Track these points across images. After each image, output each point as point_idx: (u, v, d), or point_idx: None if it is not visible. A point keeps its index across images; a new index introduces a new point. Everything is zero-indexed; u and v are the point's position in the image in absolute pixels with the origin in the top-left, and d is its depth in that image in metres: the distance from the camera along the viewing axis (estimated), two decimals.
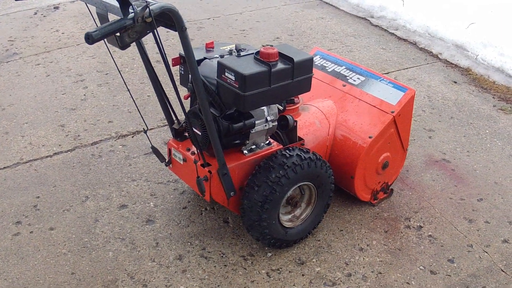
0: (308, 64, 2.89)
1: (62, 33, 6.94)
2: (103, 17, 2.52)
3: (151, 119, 4.83)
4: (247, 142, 3.10)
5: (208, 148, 3.01)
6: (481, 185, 3.93)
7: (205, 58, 3.05)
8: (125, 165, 4.21)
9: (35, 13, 7.78)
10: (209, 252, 3.32)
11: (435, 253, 3.30)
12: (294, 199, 3.20)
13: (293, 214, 3.29)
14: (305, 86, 2.98)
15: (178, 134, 3.29)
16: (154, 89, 3.13)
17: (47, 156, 4.35)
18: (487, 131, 4.64)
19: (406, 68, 5.70)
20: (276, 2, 8.12)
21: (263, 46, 2.91)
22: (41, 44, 6.57)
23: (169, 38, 6.53)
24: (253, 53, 2.87)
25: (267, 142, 3.23)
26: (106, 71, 5.79)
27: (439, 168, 4.09)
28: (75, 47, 6.41)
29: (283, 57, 2.84)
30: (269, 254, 3.29)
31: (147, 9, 2.23)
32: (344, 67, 3.83)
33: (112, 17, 2.36)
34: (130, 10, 2.23)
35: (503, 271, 3.20)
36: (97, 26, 2.28)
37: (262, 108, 3.07)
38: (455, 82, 5.50)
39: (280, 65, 2.78)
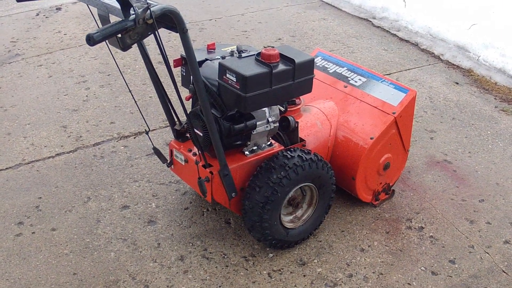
0: (309, 65, 2.90)
1: (64, 34, 6.96)
2: (104, 19, 2.52)
3: (153, 120, 4.84)
4: (249, 143, 3.11)
5: (209, 149, 3.02)
6: (482, 186, 3.93)
7: (206, 59, 3.06)
8: (127, 166, 4.22)
9: (37, 14, 7.80)
10: (210, 252, 3.33)
11: (436, 254, 3.30)
12: (295, 200, 3.20)
13: (294, 215, 3.30)
14: (306, 87, 2.99)
15: (179, 135, 3.30)
16: (155, 90, 3.14)
17: (49, 157, 4.36)
18: (489, 132, 4.65)
19: (408, 69, 5.70)
20: (278, 3, 8.13)
21: (265, 47, 2.92)
22: (44, 45, 6.59)
23: (171, 39, 6.55)
24: (254, 55, 2.87)
25: (269, 143, 3.24)
26: (108, 72, 5.80)
27: (440, 169, 4.09)
28: (77, 48, 6.42)
29: (284, 58, 2.84)
30: (271, 255, 3.29)
31: (148, 10, 2.24)
32: (345, 68, 3.83)
33: (113, 19, 2.38)
34: (131, 12, 2.24)
35: (504, 272, 3.20)
36: (98, 27, 2.29)
37: (264, 109, 3.07)
38: (457, 83, 5.50)
39: (281, 66, 2.79)
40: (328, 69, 3.89)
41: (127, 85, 3.30)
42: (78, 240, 3.47)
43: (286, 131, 3.35)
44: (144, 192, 3.90)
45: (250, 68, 2.72)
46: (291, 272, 3.17)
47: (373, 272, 3.17)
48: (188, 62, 2.58)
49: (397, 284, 3.10)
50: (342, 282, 3.10)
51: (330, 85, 3.79)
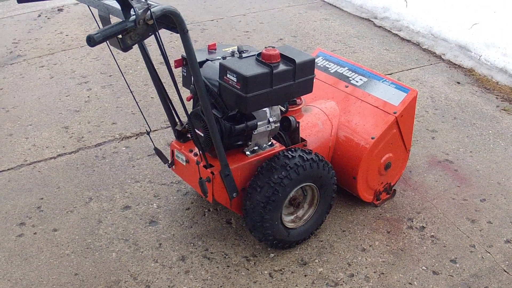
0: (310, 66, 2.90)
1: (66, 35, 6.97)
2: (105, 20, 2.53)
3: (155, 121, 4.84)
4: (249, 143, 3.11)
5: (210, 150, 3.02)
6: (484, 186, 3.93)
7: (207, 60, 3.06)
8: (129, 166, 4.22)
9: (39, 15, 7.82)
10: (212, 253, 3.33)
11: (437, 253, 3.30)
12: (296, 200, 3.20)
13: (295, 215, 3.30)
14: (307, 87, 2.99)
15: (180, 136, 3.31)
16: (156, 91, 3.15)
17: (51, 158, 4.37)
18: (490, 131, 4.64)
19: (410, 69, 5.70)
20: (280, 3, 8.14)
21: (266, 47, 2.92)
22: (45, 46, 6.61)
23: (173, 40, 6.55)
24: (255, 55, 2.88)
25: (270, 143, 3.24)
26: (109, 73, 5.81)
27: (442, 168, 4.09)
28: (79, 49, 6.43)
29: (285, 58, 2.84)
30: (272, 255, 3.30)
31: (149, 11, 2.24)
32: (346, 68, 3.83)
33: (114, 20, 2.38)
34: (132, 13, 2.24)
35: (505, 272, 3.20)
36: (99, 28, 2.29)
37: (265, 109, 3.07)
38: (458, 83, 5.50)
39: (281, 67, 2.79)
40: (329, 69, 3.89)
41: (128, 86, 3.30)
42: (79, 240, 3.47)
43: (287, 131, 3.35)
44: (145, 192, 3.90)
45: (250, 68, 2.72)
46: (292, 272, 3.17)
47: (374, 272, 3.17)
48: (188, 62, 2.58)
49: (398, 284, 3.09)
50: (343, 281, 3.10)
51: (331, 85, 3.79)
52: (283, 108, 3.27)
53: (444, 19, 6.56)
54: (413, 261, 3.24)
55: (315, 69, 3.87)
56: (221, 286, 3.08)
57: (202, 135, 2.99)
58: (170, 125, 3.39)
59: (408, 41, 6.46)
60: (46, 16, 7.85)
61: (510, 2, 6.96)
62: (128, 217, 3.66)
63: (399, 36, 6.61)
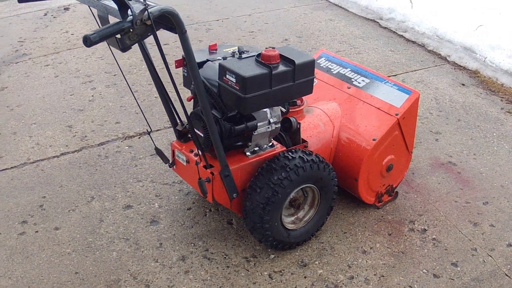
0: (309, 66, 2.88)
1: (72, 34, 6.99)
2: (104, 20, 2.53)
3: (158, 121, 4.85)
4: (250, 144, 3.10)
5: (210, 150, 3.02)
6: (487, 188, 3.91)
7: (207, 60, 3.05)
8: (131, 165, 4.22)
9: (45, 14, 7.84)
10: (212, 253, 3.33)
11: (438, 256, 3.28)
12: (297, 201, 3.19)
13: (296, 216, 3.29)
14: (307, 89, 2.98)
15: (181, 136, 3.30)
16: (157, 91, 3.15)
17: (54, 157, 4.38)
18: (494, 134, 4.62)
19: (414, 70, 5.68)
20: (285, 4, 8.13)
21: (266, 48, 2.92)
22: (51, 45, 6.62)
23: (177, 39, 6.54)
24: (254, 56, 2.87)
25: (270, 144, 3.23)
26: (114, 72, 5.82)
27: (445, 171, 4.07)
28: (84, 48, 6.43)
29: (284, 59, 2.83)
30: (272, 256, 3.29)
31: (146, 11, 2.24)
32: (349, 69, 3.82)
33: (113, 20, 2.38)
34: (129, 13, 2.24)
35: (507, 276, 3.18)
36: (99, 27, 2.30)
37: (265, 110, 3.07)
38: (463, 85, 5.47)
39: (281, 67, 2.78)
40: (332, 70, 3.88)
41: (129, 86, 3.30)
42: (80, 239, 3.48)
43: (288, 132, 3.34)
44: (147, 192, 3.90)
45: (249, 69, 2.71)
46: (292, 274, 3.16)
47: (375, 274, 3.16)
48: (187, 63, 2.58)
49: (398, 287, 3.08)
50: (343, 284, 3.09)
51: (333, 86, 3.78)
52: (283, 109, 3.26)
53: (449, 20, 6.53)
54: (413, 264, 3.23)
55: (317, 70, 3.92)
56: (220, 287, 3.08)
57: (202, 135, 2.99)
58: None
59: (414, 42, 6.43)
60: (52, 15, 7.87)
61: None
62: (129, 217, 3.66)
63: (404, 37, 6.59)
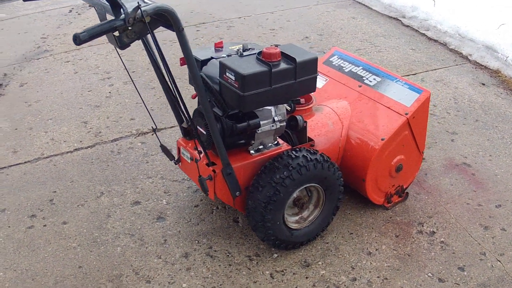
0: (311, 65, 2.83)
1: None
2: (102, 17, 2.53)
3: (172, 117, 4.83)
4: (253, 142, 3.06)
5: (213, 148, 2.99)
6: (501, 191, 3.80)
7: (212, 58, 3.02)
8: (143, 162, 4.23)
9: (70, 11, 7.92)
10: (215, 251, 3.31)
11: (445, 260, 3.20)
12: (300, 201, 3.15)
13: (300, 215, 3.25)
14: (309, 87, 2.93)
15: (187, 133, 3.28)
16: (162, 89, 3.12)
17: (67, 152, 4.42)
18: None
19: (434, 69, 5.56)
20: (308, 1, 8.07)
21: (271, 45, 2.89)
22: (72, 42, 6.66)
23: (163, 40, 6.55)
24: (255, 53, 2.83)
25: (275, 142, 3.19)
26: (133, 69, 5.84)
27: (458, 172, 3.97)
28: (105, 45, 6.48)
29: (286, 57, 2.79)
30: (275, 255, 3.25)
31: (139, 10, 2.23)
32: (361, 67, 3.76)
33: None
34: (122, 11, 2.23)
35: None
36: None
37: (269, 108, 3.03)
38: (483, 84, 5.34)
39: (282, 65, 2.74)
40: (344, 68, 3.83)
41: (133, 83, 3.30)
42: (87, 234, 3.50)
43: (295, 131, 3.30)
44: (156, 188, 3.90)
45: (248, 67, 2.67)
46: (293, 274, 3.12)
47: (378, 277, 3.09)
48: (186, 61, 2.56)
49: None
50: (344, 285, 3.04)
51: (344, 84, 3.72)
52: (288, 108, 3.21)
53: (471, 19, 6.38)
54: (419, 267, 3.15)
55: (329, 68, 3.87)
56: (220, 285, 3.06)
57: (204, 133, 2.96)
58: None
59: (435, 41, 6.31)
60: (77, 12, 7.95)
61: None
62: (136, 213, 3.67)
63: (426, 35, 6.46)
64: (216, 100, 2.88)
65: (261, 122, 3.00)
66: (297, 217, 3.24)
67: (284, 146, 3.19)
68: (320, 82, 3.88)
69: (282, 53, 2.79)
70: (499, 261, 3.21)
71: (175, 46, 6.31)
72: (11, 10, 8.15)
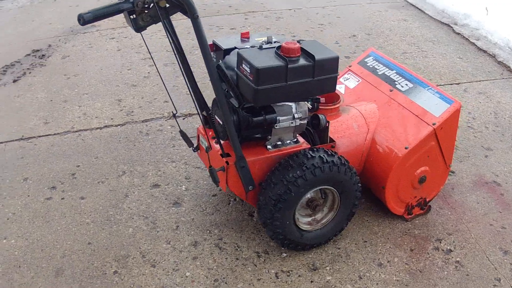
0: (331, 63, 2.73)
1: None
2: None
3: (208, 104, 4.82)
4: (269, 137, 3.00)
5: (229, 139, 2.94)
6: None
7: (235, 48, 2.97)
8: (169, 145, 4.23)
9: None
10: (225, 243, 3.27)
11: (457, 281, 3.06)
12: (314, 202, 3.07)
13: (313, 217, 3.17)
14: (328, 86, 2.83)
15: (207, 122, 3.25)
16: (184, 76, 3.08)
17: (97, 128, 4.46)
18: None
19: (479, 81, 5.36)
20: None
21: (299, 40, 2.82)
22: (121, 19, 6.65)
23: (210, 25, 6.51)
24: (275, 47, 2.76)
25: (295, 140, 3.11)
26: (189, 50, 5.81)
27: (487, 190, 3.81)
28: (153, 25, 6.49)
29: (305, 53, 2.71)
30: (284, 255, 3.19)
31: None
32: (394, 71, 3.64)
33: None
34: None
35: None
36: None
37: (290, 104, 2.96)
38: None
39: (299, 62, 2.65)
40: (378, 71, 3.72)
41: (155, 65, 3.28)
42: (102, 211, 3.52)
43: (316, 130, 3.22)
44: (178, 173, 3.89)
45: (264, 60, 2.61)
46: (299, 276, 3.05)
47: None
48: (200, 49, 2.53)
49: None
50: None
51: (376, 87, 3.62)
52: (309, 105, 3.12)
53: None
54: (429, 285, 3.02)
55: (363, 69, 3.77)
56: (224, 278, 3.03)
57: (221, 123, 2.92)
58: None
59: (484, 51, 6.07)
60: None
61: None
62: (154, 195, 3.67)
63: (476, 45, 6.22)
64: (233, 91, 2.83)
65: (280, 118, 2.93)
66: (309, 219, 3.16)
67: (303, 144, 3.11)
68: (352, 82, 3.79)
69: (302, 49, 2.72)
70: None
71: (192, 35, 6.28)
72: None
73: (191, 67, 2.90)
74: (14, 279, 3.00)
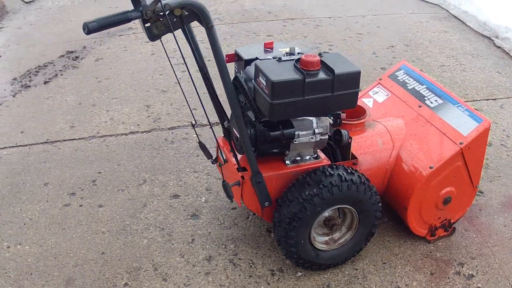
0: (352, 79, 2.61)
1: None
2: None
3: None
4: (287, 152, 2.91)
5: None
6: None
7: (256, 58, 2.88)
8: (193, 155, 4.18)
9: None
10: (239, 258, 3.19)
11: None
12: (332, 221, 2.96)
13: (330, 236, 3.06)
14: (348, 102, 2.71)
15: (228, 133, 3.18)
16: (205, 86, 3.01)
17: (122, 134, 4.44)
18: None
19: None
20: (404, 9, 7.75)
21: (322, 52, 2.72)
22: None
23: (232, 33, 6.43)
24: (294, 59, 2.66)
25: (315, 155, 3.01)
26: (209, 58, 5.75)
27: None
28: None
29: (325, 67, 2.60)
30: (299, 274, 3.09)
31: (159, 3, 2.14)
32: (425, 86, 3.51)
33: None
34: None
35: None
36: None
37: (310, 119, 2.86)
38: None
39: (318, 76, 2.55)
40: (408, 85, 3.59)
41: (175, 76, 3.21)
42: (119, 220, 3.49)
43: (338, 146, 3.11)
44: (199, 184, 3.84)
45: (281, 73, 2.51)
46: None
47: None
48: (215, 60, 2.46)
49: None
50: None
51: (405, 102, 3.49)
52: (330, 121, 3.01)
53: None
54: None
55: (393, 82, 3.64)
56: None
57: (238, 136, 2.84)
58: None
59: None
60: None
61: None
62: (173, 206, 3.62)
63: None
64: (249, 104, 2.75)
65: (300, 133, 2.83)
66: (326, 238, 3.06)
67: (323, 161, 3.01)
68: (381, 96, 3.67)
69: (322, 63, 2.61)
70: None
71: (228, 41, 6.25)
72: None
73: (211, 76, 2.82)
74: (24, 286, 2.99)
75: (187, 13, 2.42)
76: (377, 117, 3.50)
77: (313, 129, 2.87)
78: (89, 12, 7.43)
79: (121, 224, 3.45)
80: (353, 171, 2.88)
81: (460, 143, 3.06)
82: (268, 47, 3.01)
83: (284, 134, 2.78)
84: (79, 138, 4.37)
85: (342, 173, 2.81)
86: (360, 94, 3.77)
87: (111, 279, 3.04)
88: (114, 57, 5.85)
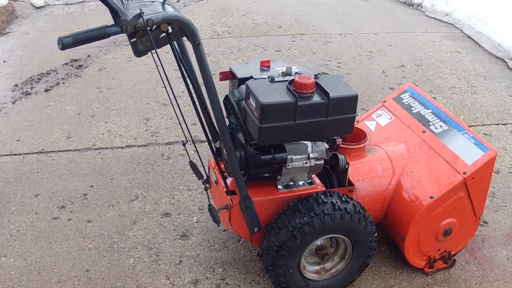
0: (348, 103, 2.47)
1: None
2: None
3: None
4: (279, 177, 2.77)
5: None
6: None
7: (251, 77, 2.75)
8: (188, 172, 4.05)
9: (178, 1, 7.87)
10: (227, 284, 3.06)
11: None
12: (323, 251, 2.81)
13: (322, 266, 2.91)
14: (344, 127, 2.56)
15: (219, 154, 3.05)
16: (198, 104, 2.89)
17: (118, 147, 4.34)
18: None
19: None
20: (417, 28, 7.59)
21: (319, 73, 2.58)
22: None
23: (232, 49, 6.30)
24: (288, 80, 2.52)
25: (309, 181, 2.87)
26: (214, 71, 5.66)
27: None
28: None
29: (320, 90, 2.47)
30: None
31: (141, 18, 2.02)
32: (430, 110, 3.36)
33: None
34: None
35: None
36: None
37: (306, 143, 2.72)
38: None
39: (312, 99, 2.41)
40: (413, 109, 3.45)
41: (165, 87, 3.09)
42: (106, 237, 3.38)
43: (334, 171, 2.97)
44: (192, 203, 3.71)
45: (272, 95, 2.37)
46: None
47: None
48: (202, 78, 2.34)
49: None
50: None
51: (409, 126, 3.35)
52: (326, 145, 2.86)
53: None
54: None
55: (398, 105, 3.50)
56: None
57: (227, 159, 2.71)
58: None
59: None
60: (183, 3, 7.94)
61: None
62: (163, 225, 3.50)
63: None
64: (239, 126, 2.62)
65: (293, 157, 2.69)
66: (317, 267, 2.91)
67: (318, 187, 2.86)
68: (384, 119, 3.53)
69: (317, 85, 2.47)
70: None
71: (235, 55, 6.14)
72: None
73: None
74: None
75: (177, 28, 2.31)
76: (378, 142, 3.36)
77: (307, 153, 2.73)
78: (98, 20, 7.35)
79: (108, 241, 3.33)
80: (348, 199, 2.74)
81: (464, 173, 2.91)
82: (265, 66, 2.88)
83: (276, 158, 2.64)
84: (74, 150, 4.26)
85: (336, 201, 2.67)
86: (363, 116, 3.64)
87: None
88: (118, 67, 5.76)
